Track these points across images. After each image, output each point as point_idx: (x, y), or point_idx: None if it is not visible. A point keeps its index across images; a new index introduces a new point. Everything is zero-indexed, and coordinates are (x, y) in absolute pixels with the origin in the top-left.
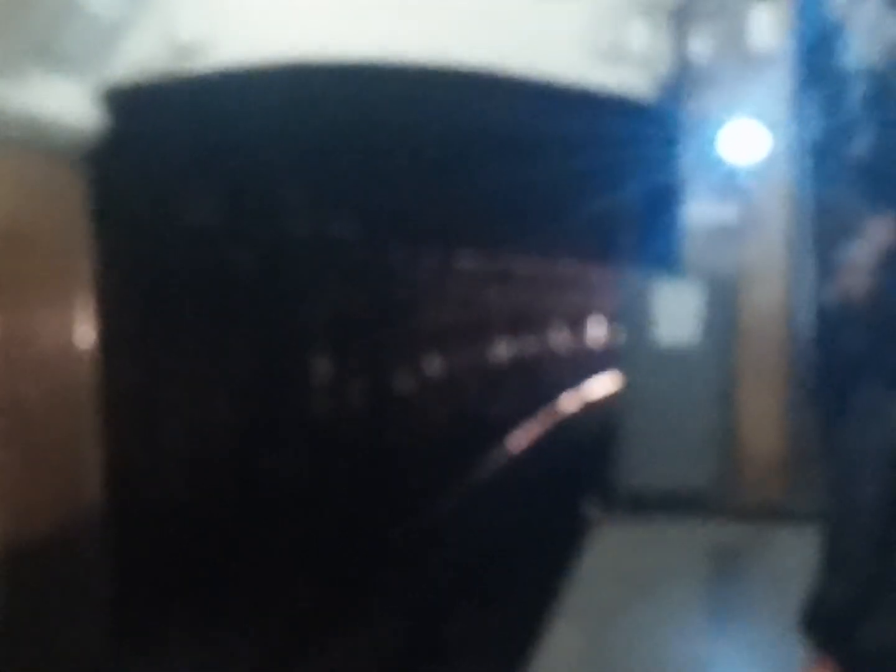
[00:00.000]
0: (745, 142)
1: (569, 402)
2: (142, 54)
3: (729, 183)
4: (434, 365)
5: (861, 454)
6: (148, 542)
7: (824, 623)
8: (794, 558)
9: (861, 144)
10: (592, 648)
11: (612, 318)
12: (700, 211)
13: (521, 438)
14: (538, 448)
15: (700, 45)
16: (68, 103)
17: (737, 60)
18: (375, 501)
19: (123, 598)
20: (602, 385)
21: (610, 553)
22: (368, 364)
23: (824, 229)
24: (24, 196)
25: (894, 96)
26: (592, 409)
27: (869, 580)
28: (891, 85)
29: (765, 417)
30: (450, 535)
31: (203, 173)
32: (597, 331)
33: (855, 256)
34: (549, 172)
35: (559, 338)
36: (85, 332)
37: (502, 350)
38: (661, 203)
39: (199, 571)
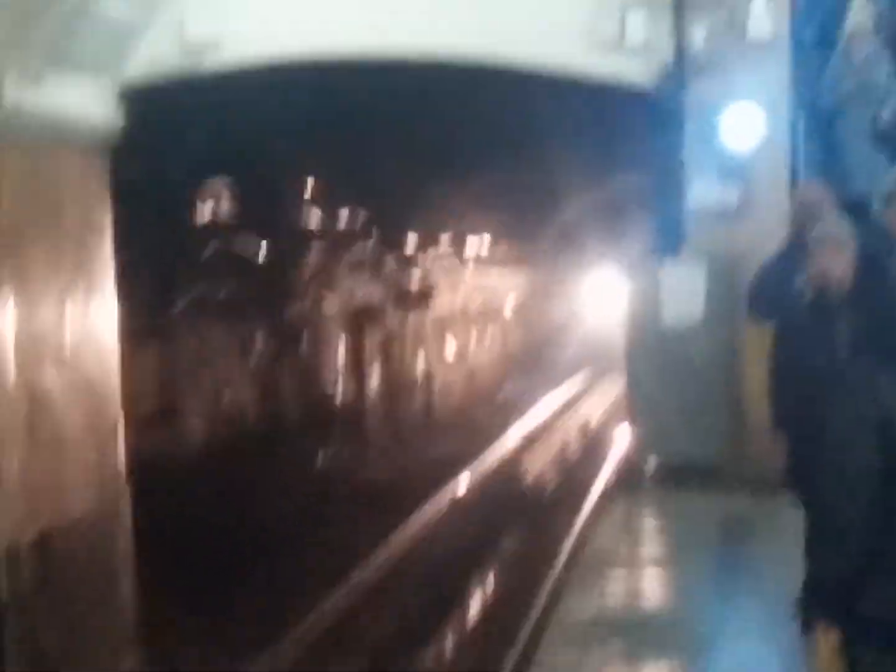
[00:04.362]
0: (745, 126)
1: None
2: (154, 54)
3: (729, 166)
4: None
5: (852, 426)
6: (170, 532)
7: (825, 594)
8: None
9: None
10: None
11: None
12: (701, 194)
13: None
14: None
15: (700, 33)
16: (84, 102)
17: (736, 47)
18: None
19: (148, 586)
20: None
21: (624, 525)
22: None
23: None
24: (45, 191)
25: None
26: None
27: (866, 548)
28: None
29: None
30: None
31: (216, 167)
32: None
33: (826, 234)
34: (553, 161)
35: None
36: (107, 323)
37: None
38: (663, 187)
39: (221, 559)
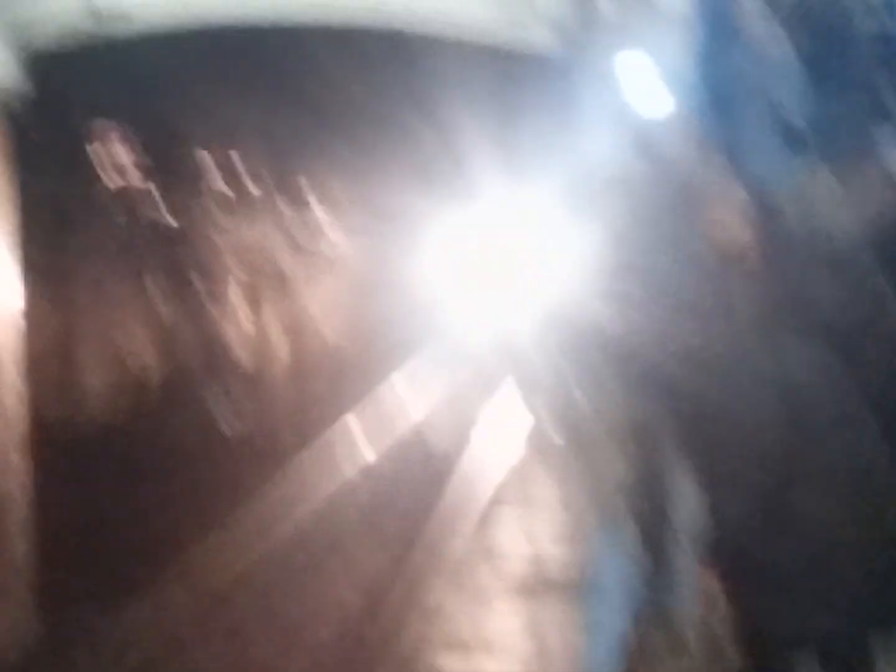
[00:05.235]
0: (653, 95)
1: None
2: (61, 18)
3: (638, 136)
4: None
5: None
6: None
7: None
8: None
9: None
10: None
11: None
12: (609, 164)
13: None
14: None
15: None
16: None
17: (644, 16)
18: None
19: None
20: None
21: None
22: None
23: None
24: None
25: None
26: None
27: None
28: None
29: None
30: None
31: (115, 119)
32: None
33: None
34: (461, 130)
35: None
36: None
37: None
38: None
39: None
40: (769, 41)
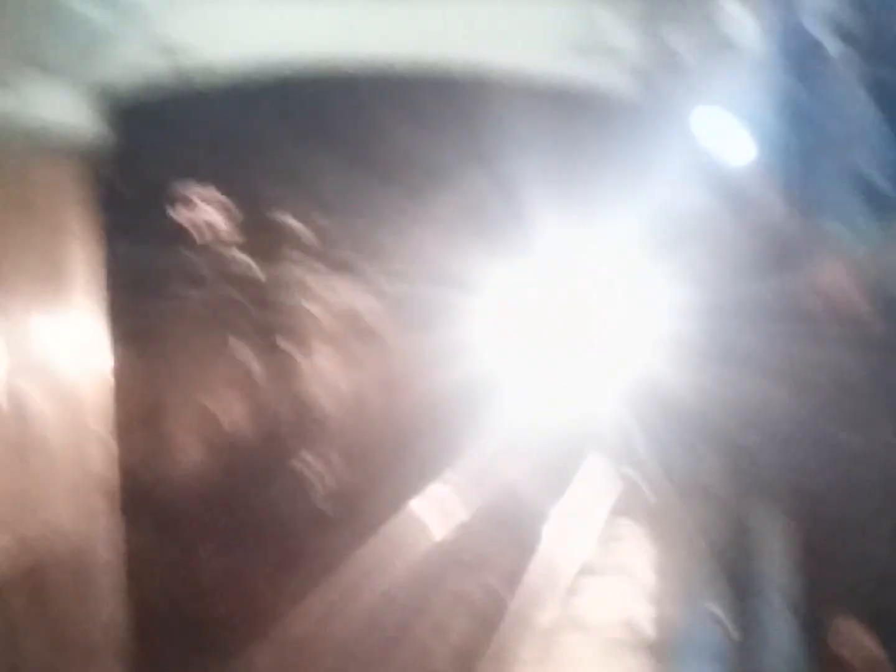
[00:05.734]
0: (726, 135)
1: None
2: (130, 59)
3: (711, 176)
4: None
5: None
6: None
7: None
8: None
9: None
10: None
11: None
12: (683, 204)
13: None
14: None
15: (680, 38)
16: (61, 107)
17: (724, 61)
18: None
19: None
20: None
21: None
22: None
23: None
24: (24, 197)
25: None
26: None
27: None
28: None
29: None
30: None
31: (199, 176)
32: None
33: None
34: (530, 170)
35: None
36: (88, 332)
37: None
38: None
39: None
40: (854, 96)
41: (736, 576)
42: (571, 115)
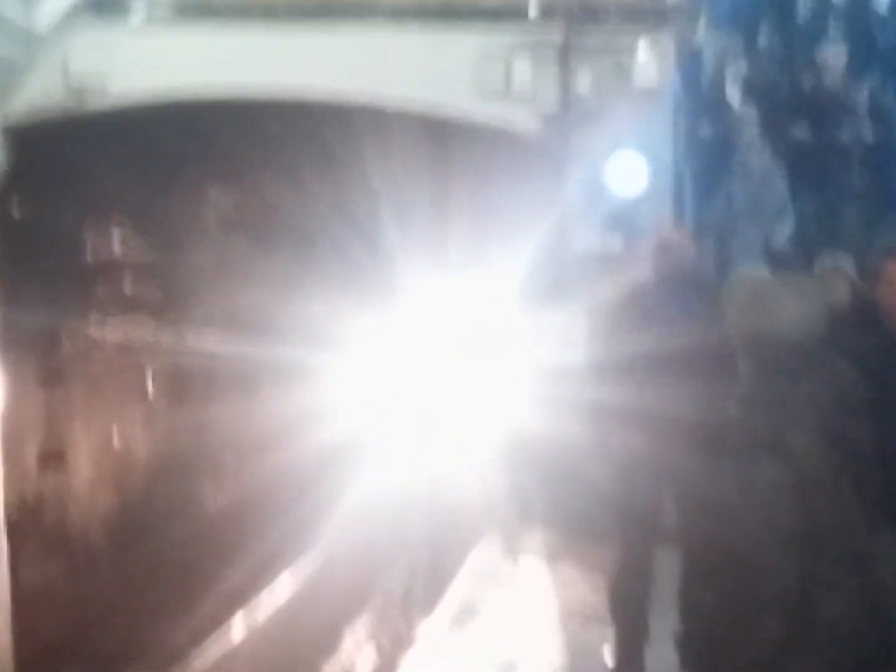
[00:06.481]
0: (630, 173)
1: None
2: (38, 92)
3: (614, 213)
4: None
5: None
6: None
7: None
8: None
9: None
10: None
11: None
12: (586, 240)
13: None
14: None
15: (585, 81)
16: None
17: (621, 95)
18: None
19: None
20: None
21: None
22: None
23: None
24: None
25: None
26: None
27: None
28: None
29: None
30: None
31: (101, 206)
32: None
33: None
34: (440, 206)
35: None
36: None
37: None
38: (546, 235)
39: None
40: (756, 144)
41: (629, 619)
42: (475, 154)
